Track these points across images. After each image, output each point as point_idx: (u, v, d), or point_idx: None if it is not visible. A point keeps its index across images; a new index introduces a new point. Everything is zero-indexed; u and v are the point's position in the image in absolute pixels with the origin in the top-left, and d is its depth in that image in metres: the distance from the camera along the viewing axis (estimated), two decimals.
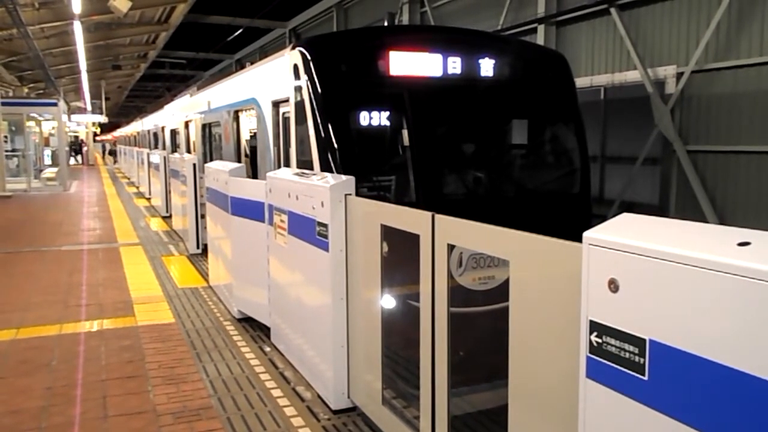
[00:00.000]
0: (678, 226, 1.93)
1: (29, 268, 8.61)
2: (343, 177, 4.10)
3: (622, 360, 1.87)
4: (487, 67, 6.09)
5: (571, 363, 2.12)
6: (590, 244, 1.97)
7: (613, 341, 1.90)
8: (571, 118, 6.56)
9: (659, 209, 10.08)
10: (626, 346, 1.86)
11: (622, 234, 1.91)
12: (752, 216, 8.75)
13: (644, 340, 1.81)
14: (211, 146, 11.26)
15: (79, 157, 40.59)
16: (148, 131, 23.27)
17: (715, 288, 1.61)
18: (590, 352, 1.99)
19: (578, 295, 2.03)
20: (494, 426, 3.81)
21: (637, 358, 1.83)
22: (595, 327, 1.96)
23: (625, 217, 2.08)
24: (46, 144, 26.58)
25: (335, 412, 4.18)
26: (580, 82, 10.61)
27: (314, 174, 4.73)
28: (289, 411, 4.20)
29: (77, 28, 17.28)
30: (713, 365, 1.63)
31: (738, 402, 1.58)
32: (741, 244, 1.65)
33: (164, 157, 13.70)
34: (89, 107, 38.89)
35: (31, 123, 23.62)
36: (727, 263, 1.58)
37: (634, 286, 1.83)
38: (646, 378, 1.81)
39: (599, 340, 1.95)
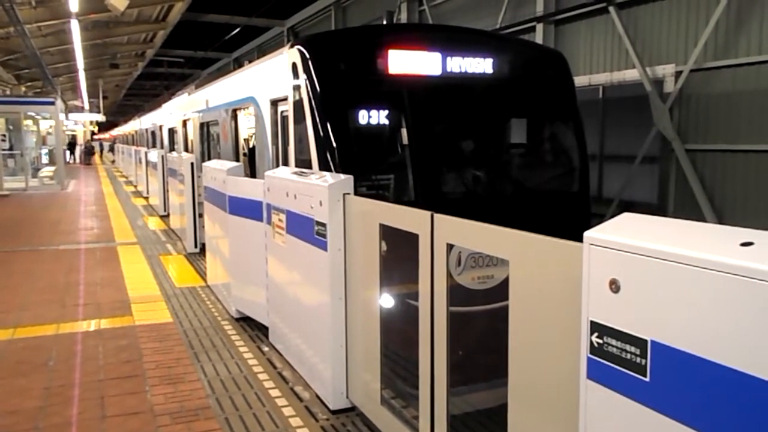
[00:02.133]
0: (679, 226, 1.92)
1: (26, 267, 8.59)
2: (342, 176, 4.09)
3: (624, 361, 1.86)
4: (486, 65, 6.07)
5: (571, 364, 2.10)
6: (591, 244, 1.96)
7: (614, 342, 1.89)
8: (569, 117, 6.55)
9: (658, 208, 10.08)
10: (627, 347, 1.85)
11: (623, 234, 1.90)
12: (751, 215, 8.74)
13: (646, 341, 1.79)
14: (209, 145, 11.24)
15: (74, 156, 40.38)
16: (146, 130, 23.23)
17: (718, 288, 1.59)
18: (591, 353, 1.97)
19: (579, 295, 2.02)
20: (493, 425, 3.80)
21: (638, 359, 1.82)
22: (596, 328, 1.95)
23: (626, 216, 2.07)
24: (44, 143, 26.51)
25: (334, 412, 4.16)
26: (579, 80, 10.59)
27: (313, 173, 4.71)
28: (288, 411, 4.19)
29: (74, 26, 17.24)
30: (715, 366, 1.61)
31: (740, 404, 1.56)
32: (744, 244, 1.63)
33: (162, 156, 13.67)
34: (87, 106, 38.85)
35: (29, 122, 23.56)
36: (731, 264, 1.56)
37: (636, 286, 1.81)
38: (647, 379, 1.80)
39: (600, 341, 1.94)
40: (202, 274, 8.09)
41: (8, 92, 26.09)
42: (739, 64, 8.79)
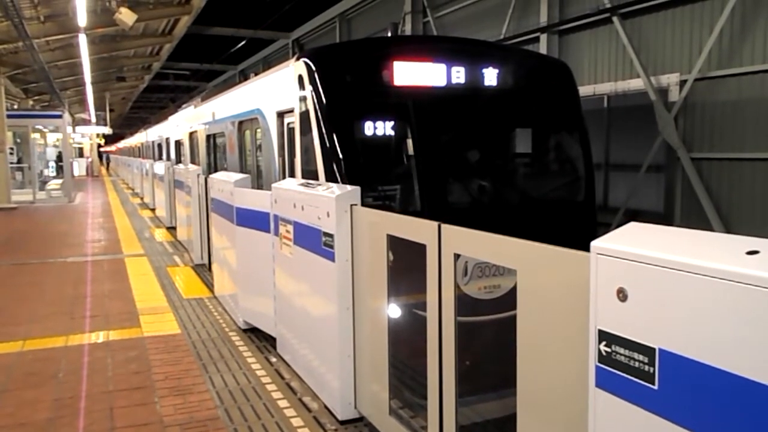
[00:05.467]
0: (686, 235, 1.93)
1: (35, 279, 8.64)
2: (349, 187, 4.11)
3: (632, 369, 1.87)
4: (490, 76, 6.11)
5: (580, 372, 2.11)
6: (598, 254, 1.98)
7: (622, 350, 1.90)
8: (574, 127, 6.57)
9: (664, 217, 10.07)
10: (635, 356, 1.86)
11: (629, 243, 1.92)
12: (758, 223, 8.72)
13: (653, 349, 1.81)
14: (215, 157, 11.30)
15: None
16: (152, 142, 23.38)
17: (724, 297, 1.61)
18: (599, 362, 1.99)
19: (586, 304, 2.03)
20: None
21: (646, 367, 1.83)
22: (604, 336, 1.96)
23: (633, 226, 2.09)
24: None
25: (342, 422, 4.17)
26: (584, 90, 10.63)
27: (319, 184, 4.75)
28: (296, 422, 4.20)
29: (82, 40, 17.40)
30: (723, 374, 1.62)
31: (749, 411, 1.57)
32: (749, 253, 1.65)
33: (169, 168, 13.74)
34: (94, 119, 39.12)
35: (36, 135, 23.75)
36: (736, 272, 1.58)
37: (643, 295, 1.83)
38: (655, 387, 1.81)
39: (608, 350, 1.95)
40: (210, 286, 8.12)
41: (16, 106, 26.29)
42: (744, 72, 8.81)
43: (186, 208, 10.51)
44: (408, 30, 16.80)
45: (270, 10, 23.53)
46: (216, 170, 10.53)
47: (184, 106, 17.49)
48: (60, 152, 24.72)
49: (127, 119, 67.21)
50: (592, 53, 11.58)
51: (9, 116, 19.64)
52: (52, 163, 26.22)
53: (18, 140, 23.17)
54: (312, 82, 5.75)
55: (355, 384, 4.16)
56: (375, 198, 5.48)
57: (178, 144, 16.02)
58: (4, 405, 4.46)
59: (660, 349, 1.79)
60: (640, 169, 10.41)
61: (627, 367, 1.89)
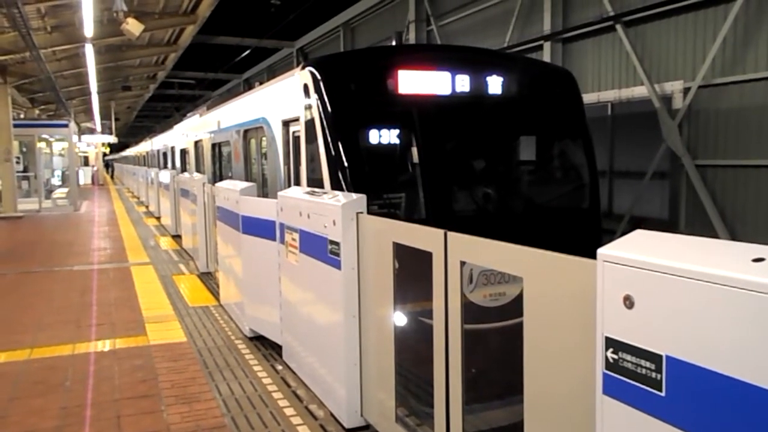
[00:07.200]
0: (691, 243, 1.95)
1: (41, 288, 8.67)
2: (355, 195, 4.13)
3: (639, 376, 1.88)
4: (495, 84, 6.14)
5: (587, 379, 2.12)
6: (605, 261, 1.99)
7: (629, 357, 1.91)
8: (579, 134, 6.59)
9: (669, 224, 10.06)
10: (642, 362, 1.87)
11: (636, 250, 1.93)
12: (763, 229, 8.71)
13: (660, 356, 1.82)
14: (220, 166, 11.35)
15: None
16: (158, 151, 23.48)
17: (730, 303, 1.62)
18: (606, 369, 1.99)
19: (593, 311, 2.04)
20: None
21: (653, 374, 1.84)
22: (611, 343, 1.97)
23: (639, 233, 2.10)
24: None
25: (348, 430, 4.17)
26: (587, 98, 10.64)
27: (325, 192, 4.77)
28: (302, 430, 4.20)
29: (88, 50, 17.51)
30: (730, 381, 1.63)
31: (756, 418, 1.58)
32: (755, 260, 1.66)
33: (174, 177, 13.80)
34: (99, 128, 39.30)
35: (42, 144, 23.91)
36: (742, 279, 1.59)
37: (650, 302, 1.84)
38: (663, 394, 1.82)
39: (615, 357, 1.96)
40: (215, 294, 8.14)
41: (22, 115, 26.44)
42: (747, 80, 8.82)
43: (191, 217, 10.55)
44: (412, 39, 16.87)
45: (274, 19, 23.70)
46: (221, 179, 10.58)
47: (189, 114, 17.57)
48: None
49: (133, 128, 67.50)
50: (595, 61, 11.62)
51: (15, 125, 19.77)
52: (58, 172, 26.40)
53: (24, 149, 23.32)
54: (317, 90, 5.79)
55: (362, 392, 4.16)
56: (380, 206, 5.50)
57: (183, 153, 16.08)
58: (12, 413, 4.48)
59: (667, 356, 1.80)
60: (644, 176, 10.42)
61: (634, 374, 1.90)
